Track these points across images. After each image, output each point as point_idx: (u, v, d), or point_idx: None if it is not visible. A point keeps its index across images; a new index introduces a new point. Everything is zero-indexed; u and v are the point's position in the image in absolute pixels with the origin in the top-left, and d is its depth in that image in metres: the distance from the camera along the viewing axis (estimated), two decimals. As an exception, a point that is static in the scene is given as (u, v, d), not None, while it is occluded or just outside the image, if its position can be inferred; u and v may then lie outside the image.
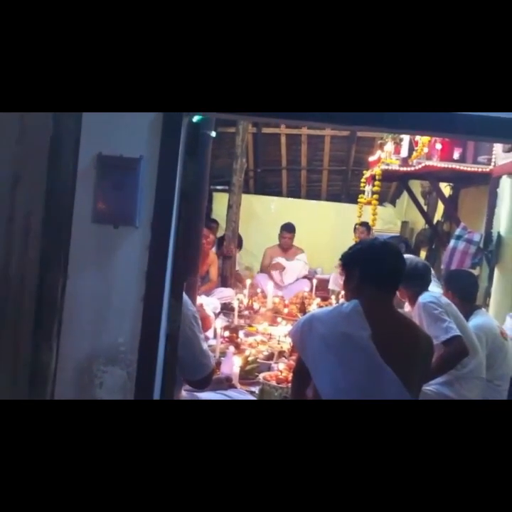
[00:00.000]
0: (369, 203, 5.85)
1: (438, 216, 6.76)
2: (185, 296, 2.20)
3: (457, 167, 4.88)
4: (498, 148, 4.71)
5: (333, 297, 6.11)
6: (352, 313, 2.09)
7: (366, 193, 6.22)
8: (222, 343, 4.01)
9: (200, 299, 4.03)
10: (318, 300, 5.84)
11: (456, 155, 4.89)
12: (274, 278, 6.47)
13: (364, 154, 7.77)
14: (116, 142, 2.01)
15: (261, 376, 3.48)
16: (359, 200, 6.34)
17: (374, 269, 2.16)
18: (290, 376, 2.99)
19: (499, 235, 4.62)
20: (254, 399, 3.16)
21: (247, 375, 3.55)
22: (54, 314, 1.98)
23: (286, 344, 4.17)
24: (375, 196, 5.61)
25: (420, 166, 5.03)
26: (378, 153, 5.83)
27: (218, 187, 7.85)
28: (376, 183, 5.45)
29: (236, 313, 4.90)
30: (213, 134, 2.68)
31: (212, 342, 4.01)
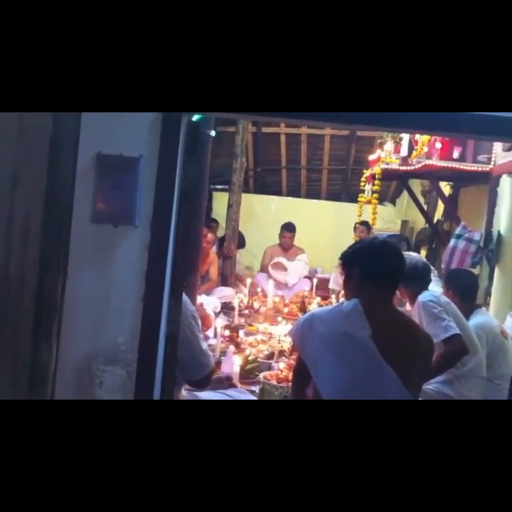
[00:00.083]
0: (369, 202, 5.85)
1: (438, 215, 6.76)
2: (184, 296, 2.20)
3: (457, 166, 4.88)
4: (497, 147, 4.71)
5: (333, 296, 6.11)
6: (352, 313, 2.09)
7: (366, 192, 6.22)
8: (222, 342, 4.01)
9: (201, 298, 4.04)
10: (318, 299, 5.84)
11: (455, 154, 4.89)
12: (278, 278, 6.46)
13: (364, 153, 7.76)
14: (115, 141, 2.01)
15: (261, 375, 3.48)
16: (359, 199, 6.33)
17: (374, 268, 2.16)
18: (290, 375, 2.99)
19: (499, 234, 4.62)
20: (255, 398, 3.16)
21: (248, 375, 3.55)
22: (54, 314, 1.98)
23: (287, 343, 4.17)
24: (375, 195, 5.61)
25: (420, 165, 5.03)
26: (378, 153, 5.83)
27: (218, 186, 7.85)
28: (376, 182, 5.45)
29: (236, 312, 4.90)
30: (213, 133, 2.68)
31: (212, 341, 4.01)
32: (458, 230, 4.87)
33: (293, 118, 2.07)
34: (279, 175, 8.86)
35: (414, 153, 5.11)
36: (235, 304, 5.02)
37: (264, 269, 6.95)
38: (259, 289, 6.05)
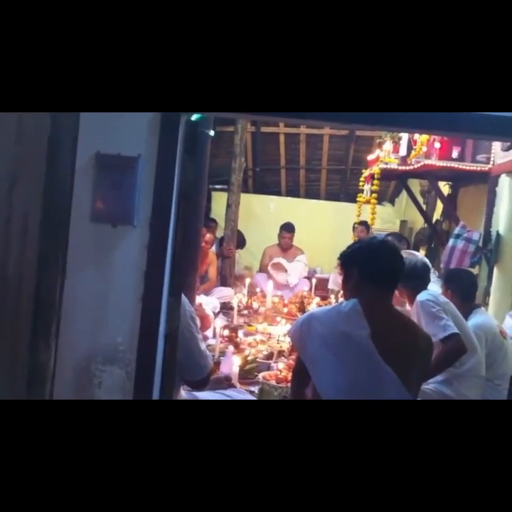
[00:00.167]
0: (368, 202, 5.85)
1: (437, 215, 6.76)
2: (182, 297, 2.20)
3: (456, 166, 4.88)
4: (496, 146, 4.71)
5: (332, 296, 6.11)
6: (351, 313, 2.09)
7: (365, 192, 6.21)
8: (221, 342, 4.01)
9: (200, 299, 4.03)
10: (317, 299, 5.84)
11: (454, 154, 4.89)
12: (279, 280, 6.46)
13: (363, 153, 7.76)
14: (114, 141, 2.00)
15: (260, 376, 3.48)
16: (358, 199, 6.33)
17: (373, 268, 2.16)
18: (289, 376, 2.99)
19: (498, 234, 4.62)
20: (254, 398, 3.15)
21: (247, 375, 3.55)
22: (52, 314, 1.97)
23: (286, 343, 4.17)
24: (373, 195, 5.60)
25: (419, 165, 5.03)
26: (377, 152, 5.82)
27: (217, 186, 7.85)
28: (375, 182, 5.45)
29: (235, 312, 4.90)
30: (212, 132, 2.68)
31: (211, 341, 4.01)
32: (457, 230, 4.87)
33: (292, 117, 2.07)
34: (278, 175, 8.86)
35: (413, 153, 5.11)
36: (234, 304, 5.01)
37: (263, 269, 6.95)
38: (258, 289, 6.05)
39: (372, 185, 5.53)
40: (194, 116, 2.09)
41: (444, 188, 6.33)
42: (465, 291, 3.49)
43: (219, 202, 7.58)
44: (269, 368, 3.75)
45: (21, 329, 1.98)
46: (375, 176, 5.42)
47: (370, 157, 6.19)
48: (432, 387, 3.11)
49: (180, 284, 2.11)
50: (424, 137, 4.84)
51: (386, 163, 5.37)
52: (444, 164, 4.87)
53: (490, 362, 3.32)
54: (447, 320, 2.96)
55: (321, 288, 6.67)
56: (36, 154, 1.97)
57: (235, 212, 6.35)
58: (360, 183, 6.42)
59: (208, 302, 4.75)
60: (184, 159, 2.06)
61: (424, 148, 4.94)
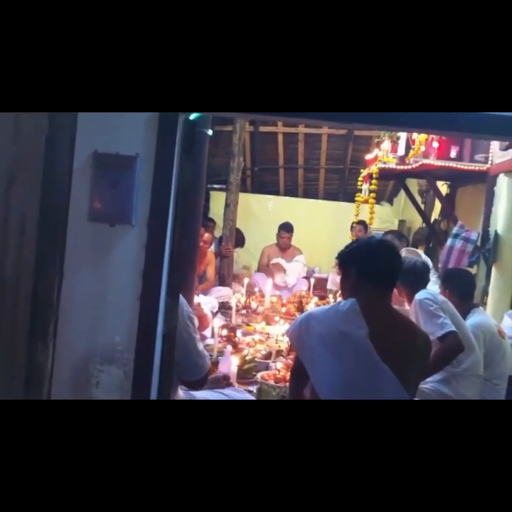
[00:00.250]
0: (366, 201, 5.84)
1: (435, 215, 6.76)
2: (180, 297, 2.19)
3: (454, 165, 4.88)
4: (495, 146, 4.71)
5: (330, 296, 6.10)
6: (349, 312, 2.08)
7: (363, 192, 6.21)
8: (220, 342, 4.00)
9: (198, 298, 4.03)
10: (315, 299, 5.84)
11: (453, 153, 4.89)
12: (277, 280, 6.46)
13: (361, 153, 7.76)
14: (112, 140, 2.00)
15: (259, 375, 3.48)
16: (356, 198, 6.33)
17: (371, 267, 2.16)
18: (288, 375, 2.98)
19: (496, 234, 4.62)
20: (252, 398, 3.15)
21: (245, 375, 3.54)
22: (50, 313, 1.97)
23: (284, 343, 4.17)
24: (372, 195, 5.60)
25: (417, 165, 5.03)
26: (375, 152, 5.82)
27: (215, 186, 7.84)
28: (373, 181, 5.44)
29: (234, 312, 4.89)
30: (210, 132, 2.67)
31: (210, 341, 4.01)
32: (455, 230, 4.87)
33: (290, 117, 2.06)
34: (276, 174, 8.85)
35: (412, 152, 5.11)
36: (233, 303, 5.01)
37: (261, 268, 6.95)
38: (256, 289, 6.04)
39: (371, 184, 5.53)
40: (192, 116, 2.08)
41: (443, 187, 6.33)
42: (463, 291, 3.49)
43: (217, 201, 7.57)
44: (267, 367, 3.75)
45: (19, 329, 1.97)
46: (374, 176, 5.41)
47: (369, 157, 6.19)
48: (430, 386, 3.12)
49: (178, 283, 2.11)
50: (423, 137, 4.84)
51: (384, 163, 5.37)
52: (443, 164, 4.87)
53: (488, 361, 3.32)
54: (445, 318, 2.97)
55: (320, 288, 6.66)
56: (34, 153, 1.96)
57: (233, 211, 6.34)
58: (359, 183, 6.42)
59: (207, 302, 4.75)
60: (182, 158, 2.05)
61: (423, 148, 4.94)
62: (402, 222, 8.26)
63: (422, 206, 6.94)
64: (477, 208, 5.17)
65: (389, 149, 5.43)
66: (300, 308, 5.24)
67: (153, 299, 2.00)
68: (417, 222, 7.38)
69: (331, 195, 8.93)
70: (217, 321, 4.32)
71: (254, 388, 3.35)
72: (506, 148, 4.42)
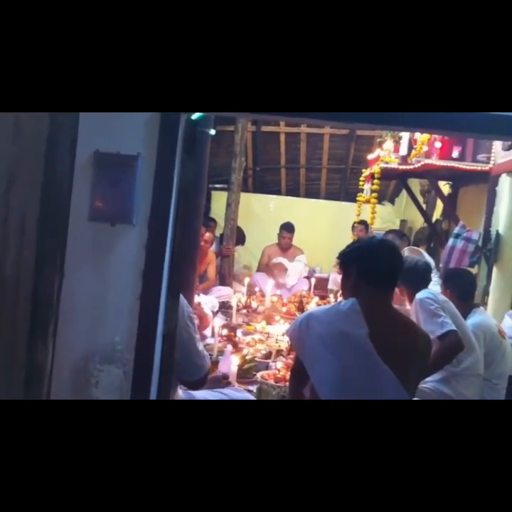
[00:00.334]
0: (368, 201, 5.84)
1: (437, 215, 6.76)
2: (181, 297, 2.19)
3: (456, 165, 4.87)
4: (497, 146, 4.70)
5: (331, 296, 6.10)
6: (350, 312, 2.08)
7: (365, 192, 6.21)
8: (220, 341, 4.00)
9: (199, 298, 4.03)
10: (316, 299, 5.84)
11: (455, 153, 4.88)
12: (278, 280, 6.46)
13: (363, 152, 7.75)
14: (113, 139, 2.00)
15: (259, 375, 3.48)
16: (358, 198, 6.32)
17: (371, 267, 2.16)
18: (288, 375, 2.98)
19: (498, 234, 4.61)
20: (252, 397, 3.15)
21: (245, 374, 3.54)
22: (50, 313, 1.97)
23: (284, 343, 4.17)
24: (374, 195, 5.60)
25: (419, 165, 5.02)
26: (377, 152, 5.81)
27: (217, 185, 7.84)
28: (375, 181, 5.44)
29: (234, 311, 4.89)
30: (212, 131, 2.67)
31: (210, 340, 4.01)
32: (456, 230, 4.86)
33: (293, 116, 2.06)
34: (278, 174, 8.85)
35: (414, 152, 5.10)
36: (233, 303, 5.01)
37: (261, 268, 6.95)
38: (257, 289, 6.04)
39: (373, 184, 5.52)
40: (194, 115, 2.08)
41: (444, 187, 6.33)
42: (464, 291, 3.49)
43: (219, 201, 7.56)
44: (267, 367, 3.75)
45: (19, 329, 1.97)
46: (375, 176, 5.41)
47: (371, 156, 6.18)
48: (430, 385, 3.12)
49: (179, 283, 2.10)
50: (425, 137, 4.83)
51: (386, 163, 5.36)
52: (445, 164, 4.87)
53: (488, 361, 3.32)
54: (445, 317, 2.98)
55: (320, 287, 6.66)
56: (34, 153, 1.96)
57: (234, 211, 6.34)
58: (360, 183, 6.42)
59: (207, 301, 4.75)
60: (183, 158, 2.05)
61: (425, 148, 4.93)
62: (403, 222, 8.25)
63: (424, 206, 6.94)
64: (479, 208, 5.16)
65: (391, 149, 5.42)
66: (300, 308, 5.23)
67: (153, 298, 2.00)
68: (418, 222, 7.37)
69: (332, 195, 8.93)
70: (218, 321, 4.32)
71: (254, 388, 3.35)
72: (508, 149, 4.41)
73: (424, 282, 3.28)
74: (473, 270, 4.53)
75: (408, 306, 3.33)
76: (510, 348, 3.50)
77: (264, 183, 8.91)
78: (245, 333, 4.57)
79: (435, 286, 3.49)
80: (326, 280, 6.78)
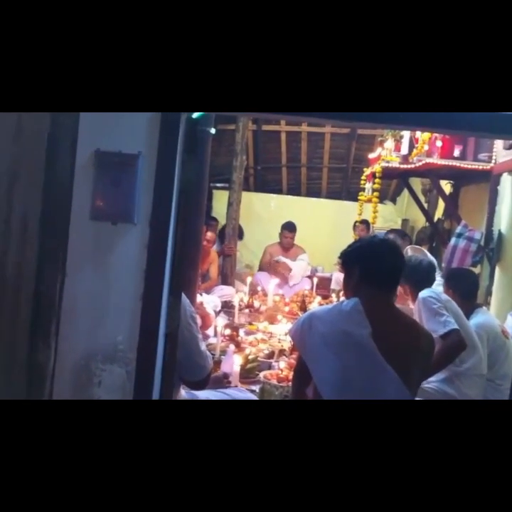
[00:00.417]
0: (369, 200, 5.84)
1: (438, 214, 6.75)
2: (183, 296, 2.18)
3: (458, 165, 4.86)
4: (498, 145, 4.69)
5: (333, 295, 6.10)
6: (352, 312, 2.08)
7: (366, 191, 6.21)
8: (222, 341, 4.00)
9: (201, 297, 4.03)
10: (319, 298, 5.83)
11: (456, 152, 4.87)
12: (281, 279, 6.45)
13: (364, 152, 7.75)
14: (114, 138, 1.99)
15: (261, 375, 3.47)
16: (359, 197, 6.32)
17: (373, 267, 2.15)
18: (291, 375, 2.98)
19: (500, 233, 4.60)
20: (255, 397, 3.15)
21: (248, 374, 3.54)
22: (52, 312, 1.97)
23: (287, 342, 4.16)
24: (375, 194, 5.59)
25: (421, 164, 5.01)
26: (378, 151, 5.81)
27: (218, 184, 7.84)
28: (376, 180, 5.43)
29: (237, 311, 4.89)
30: (213, 130, 2.66)
31: (212, 340, 4.00)
32: (458, 229, 4.86)
33: (293, 115, 2.05)
34: (279, 173, 8.85)
35: (415, 151, 5.09)
36: (235, 302, 5.00)
37: (263, 267, 6.94)
38: (259, 288, 6.04)
39: (374, 183, 5.52)
40: (195, 114, 2.08)
41: (446, 186, 6.32)
42: (466, 291, 3.48)
43: (220, 200, 7.57)
44: (270, 367, 3.74)
45: (21, 329, 1.97)
46: (377, 175, 5.40)
47: (372, 155, 6.18)
48: (433, 385, 3.12)
49: (181, 282, 2.10)
50: (426, 136, 4.82)
51: (388, 162, 5.35)
52: (446, 163, 4.86)
53: (492, 362, 3.31)
54: (448, 316, 2.98)
55: (323, 287, 6.66)
56: (36, 152, 1.96)
57: (236, 210, 6.34)
58: (362, 182, 6.42)
59: (209, 301, 4.74)
60: (184, 157, 2.05)
61: (426, 147, 4.92)
62: (405, 221, 8.24)
63: (426, 205, 6.93)
64: (481, 207, 5.16)
65: (392, 148, 5.42)
66: (303, 308, 5.23)
67: (155, 298, 2.00)
68: (420, 221, 7.36)
69: (333, 194, 8.92)
70: (220, 320, 4.32)
71: (256, 388, 3.35)
72: (510, 147, 4.40)
73: (429, 281, 3.28)
74: (476, 270, 4.52)
75: (411, 305, 3.33)
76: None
77: (265, 182, 8.91)
78: (248, 333, 4.57)
79: (438, 285, 3.48)
80: (329, 280, 6.78)
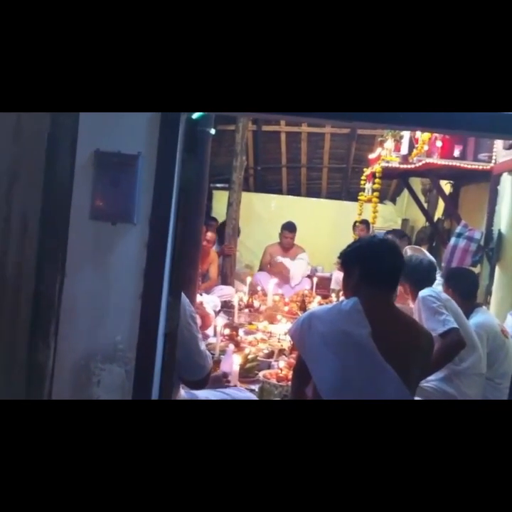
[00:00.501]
0: (369, 200, 5.84)
1: (438, 214, 6.75)
2: (183, 296, 2.19)
3: (458, 164, 4.86)
4: (498, 145, 4.69)
5: (333, 295, 6.10)
6: (352, 311, 2.08)
7: (366, 191, 6.21)
8: (222, 341, 4.00)
9: (201, 297, 4.03)
10: (318, 298, 5.84)
11: (456, 152, 4.87)
12: (282, 280, 6.45)
13: (364, 152, 7.76)
14: (114, 139, 1.99)
15: (261, 374, 3.48)
16: (359, 197, 6.32)
17: (373, 266, 2.15)
18: (290, 374, 2.98)
19: (500, 233, 4.60)
20: (255, 397, 3.15)
21: (247, 374, 3.54)
22: (51, 312, 1.97)
23: (287, 342, 4.17)
24: (375, 194, 5.59)
25: (420, 164, 5.01)
26: (378, 151, 5.81)
27: (218, 185, 7.84)
28: (376, 180, 5.43)
29: (236, 311, 4.89)
30: (213, 131, 2.67)
31: (212, 340, 4.01)
32: (458, 229, 4.85)
33: (293, 115, 2.05)
34: (279, 173, 8.85)
35: (415, 151, 5.09)
36: (235, 302, 5.00)
37: (263, 267, 6.94)
38: (259, 288, 6.04)
39: (374, 183, 5.52)
40: (195, 115, 2.08)
41: (446, 186, 6.32)
42: (466, 291, 3.48)
43: (220, 200, 7.57)
44: (269, 366, 3.75)
45: (20, 328, 1.97)
46: (377, 175, 5.40)
47: (372, 155, 6.18)
48: (432, 384, 3.12)
49: (180, 282, 2.10)
50: (426, 136, 4.82)
51: (387, 162, 5.35)
52: (446, 163, 4.86)
53: (491, 361, 3.31)
54: (447, 315, 2.99)
55: (322, 287, 6.66)
56: (35, 152, 1.96)
57: (236, 210, 6.34)
58: (362, 182, 6.41)
59: (209, 301, 4.75)
60: (184, 157, 2.05)
61: (426, 147, 4.92)
62: (405, 221, 8.24)
63: (426, 205, 6.93)
64: (480, 206, 5.16)
65: (392, 148, 5.42)
66: (303, 308, 5.23)
67: (154, 297, 2.00)
68: (420, 221, 7.36)
69: (333, 194, 8.92)
70: (220, 320, 4.32)
71: (256, 387, 3.35)
72: (510, 147, 4.40)
73: (429, 281, 3.28)
74: (476, 269, 4.52)
75: (411, 305, 3.33)
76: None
77: (265, 183, 8.91)
78: (247, 333, 4.57)
79: (437, 285, 3.49)
80: (329, 279, 6.78)
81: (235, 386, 3.18)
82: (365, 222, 6.39)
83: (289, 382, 3.01)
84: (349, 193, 8.59)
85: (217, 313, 4.81)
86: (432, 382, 3.10)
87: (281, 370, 3.53)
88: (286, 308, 5.38)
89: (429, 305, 3.03)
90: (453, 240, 4.82)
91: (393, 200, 8.99)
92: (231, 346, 3.88)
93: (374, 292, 2.13)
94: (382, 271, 2.15)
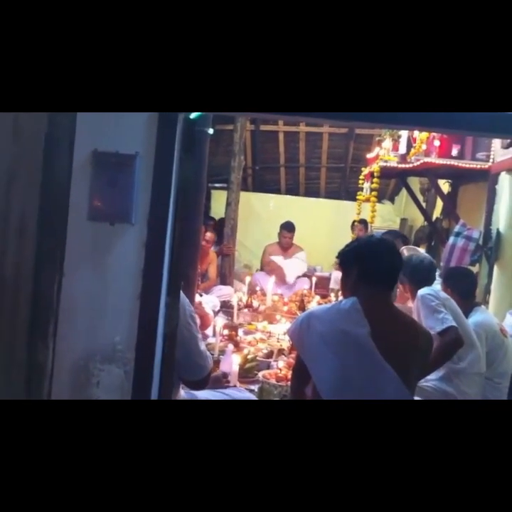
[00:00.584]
0: (368, 200, 5.83)
1: (437, 213, 6.75)
2: (182, 296, 2.18)
3: (456, 164, 4.87)
4: (496, 144, 4.70)
5: (332, 295, 6.10)
6: (350, 311, 2.08)
7: (365, 190, 6.20)
8: (221, 341, 4.00)
9: (200, 297, 4.02)
10: (317, 298, 5.84)
11: (454, 152, 4.88)
12: (278, 278, 6.45)
13: (362, 151, 7.76)
14: (111, 139, 1.99)
15: (260, 374, 3.47)
16: (358, 197, 6.32)
17: (371, 266, 2.15)
18: (289, 374, 2.98)
19: (498, 232, 4.60)
20: (254, 397, 3.15)
21: (247, 374, 3.54)
22: (50, 313, 1.97)
23: (286, 342, 4.16)
24: (373, 193, 5.59)
25: (419, 163, 5.02)
26: (376, 150, 5.81)
27: (216, 185, 7.84)
28: (375, 180, 5.43)
29: (235, 311, 4.89)
30: (211, 131, 2.67)
31: (211, 340, 4.01)
32: (457, 228, 4.86)
33: (291, 115, 2.05)
34: (277, 173, 8.85)
35: (413, 150, 5.09)
36: (234, 302, 5.00)
37: (263, 267, 6.95)
38: (258, 288, 6.04)
39: (372, 183, 5.52)
40: (192, 114, 2.08)
41: (444, 185, 6.32)
42: (465, 290, 3.49)
43: (218, 200, 7.57)
44: (269, 366, 3.75)
45: (19, 329, 1.97)
46: (375, 174, 5.40)
47: (370, 155, 6.18)
48: (432, 384, 3.12)
49: (179, 282, 2.10)
50: (424, 135, 4.83)
51: (386, 161, 5.35)
52: (444, 162, 4.86)
53: (490, 360, 3.32)
54: (445, 314, 2.99)
55: (321, 286, 6.66)
56: (33, 153, 1.96)
57: (234, 210, 6.34)
58: (360, 181, 6.41)
59: (208, 301, 4.75)
60: (182, 157, 2.05)
61: (424, 146, 4.92)
62: (403, 220, 8.25)
63: (424, 204, 6.93)
64: (479, 206, 5.16)
65: (390, 148, 5.42)
66: (302, 307, 5.24)
67: (153, 297, 2.00)
68: (418, 220, 7.37)
69: (332, 194, 8.93)
70: (219, 320, 4.32)
71: (255, 387, 3.35)
72: (508, 147, 4.40)
73: (429, 280, 3.29)
74: (474, 269, 4.52)
75: (411, 304, 3.33)
76: (512, 346, 3.49)
77: (263, 182, 8.91)
78: (247, 333, 4.57)
79: (436, 284, 3.49)
80: (328, 279, 6.78)
81: (235, 386, 3.18)
82: (363, 222, 6.39)
83: (289, 382, 3.01)
84: (347, 192, 8.59)
85: (216, 313, 4.81)
86: (431, 382, 3.11)
87: (280, 370, 3.52)
88: (285, 308, 5.38)
89: (427, 303, 3.04)
90: (451, 239, 4.82)
91: (392, 200, 8.99)
92: (230, 346, 3.88)
93: (372, 292, 2.13)
94: (380, 270, 2.15)
